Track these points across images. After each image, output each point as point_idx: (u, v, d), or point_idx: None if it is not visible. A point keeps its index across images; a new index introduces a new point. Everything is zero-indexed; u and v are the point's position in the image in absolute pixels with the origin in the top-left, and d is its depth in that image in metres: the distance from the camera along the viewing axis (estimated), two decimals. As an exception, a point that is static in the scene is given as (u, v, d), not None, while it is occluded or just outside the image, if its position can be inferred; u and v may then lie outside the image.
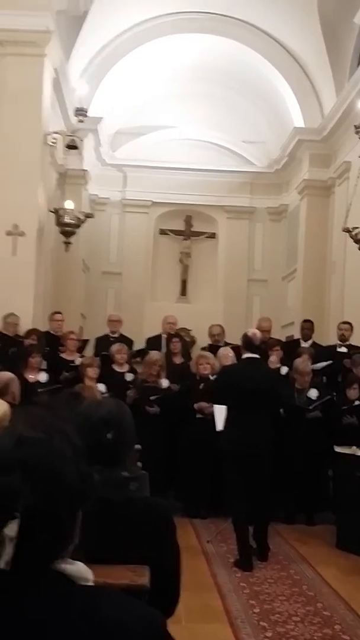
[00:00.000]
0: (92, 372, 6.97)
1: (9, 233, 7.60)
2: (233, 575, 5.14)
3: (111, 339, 8.29)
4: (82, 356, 7.72)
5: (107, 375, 7.16)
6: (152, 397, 6.99)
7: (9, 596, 0.99)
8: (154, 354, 7.49)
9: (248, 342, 5.60)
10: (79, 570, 1.06)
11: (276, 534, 6.19)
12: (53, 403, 3.70)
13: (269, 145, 12.00)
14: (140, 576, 1.97)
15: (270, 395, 5.56)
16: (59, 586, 1.03)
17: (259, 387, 5.42)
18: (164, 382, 7.24)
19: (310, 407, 6.88)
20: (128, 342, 8.27)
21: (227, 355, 7.43)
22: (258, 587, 4.87)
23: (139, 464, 3.66)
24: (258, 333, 5.75)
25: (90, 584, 1.08)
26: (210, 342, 8.62)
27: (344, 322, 8.26)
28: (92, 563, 1.14)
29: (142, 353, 8.11)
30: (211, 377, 7.00)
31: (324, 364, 7.66)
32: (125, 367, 7.57)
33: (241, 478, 5.37)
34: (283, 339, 9.42)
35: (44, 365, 7.04)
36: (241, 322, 10.92)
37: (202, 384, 7.12)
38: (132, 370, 7.59)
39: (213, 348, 8.16)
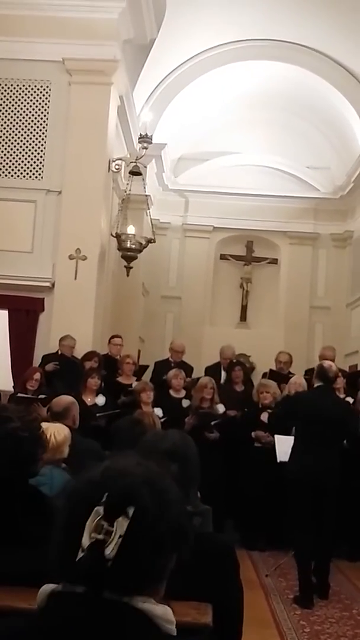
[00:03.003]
0: (146, 396, 6.93)
1: (71, 257, 7.69)
2: (293, 613, 4.96)
3: (172, 364, 8.25)
4: (138, 380, 7.69)
5: (163, 400, 7.11)
6: (213, 422, 6.90)
7: (90, 625, 0.98)
8: (203, 379, 7.42)
9: (322, 373, 5.51)
10: (164, 611, 1.05)
11: (338, 571, 5.96)
12: (114, 433, 3.70)
13: (333, 171, 11.87)
14: (203, 614, 1.92)
15: (339, 425, 5.42)
16: (143, 630, 1.00)
17: (329, 416, 5.31)
18: (220, 408, 7.14)
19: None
20: (188, 368, 8.21)
21: (299, 384, 7.27)
22: (319, 627, 4.68)
23: (198, 493, 3.58)
24: (334, 366, 5.68)
25: (174, 627, 1.06)
26: (271, 369, 8.48)
27: None
28: (163, 600, 1.11)
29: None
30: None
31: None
32: (182, 393, 7.51)
33: (307, 509, 5.22)
34: (347, 369, 9.19)
35: (102, 388, 7.04)
36: (303, 349, 10.75)
37: (263, 413, 6.99)
38: (188, 397, 7.52)
39: (273, 375, 8.02)
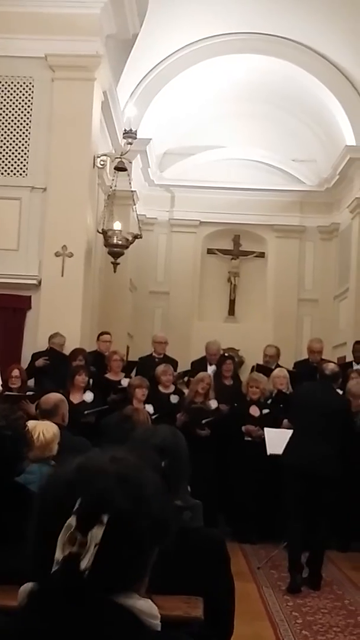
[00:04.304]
0: (141, 393, 6.92)
1: (57, 254, 7.66)
2: (285, 604, 4.98)
3: (156, 360, 8.25)
4: (127, 377, 7.69)
5: (152, 396, 7.10)
6: (204, 421, 6.90)
7: (73, 623, 0.95)
8: (201, 374, 7.42)
9: (319, 372, 5.78)
10: (148, 607, 1.02)
11: (329, 562, 5.98)
12: (104, 430, 3.69)
13: (319, 163, 11.89)
14: (194, 608, 1.92)
15: (336, 416, 5.48)
16: (127, 626, 0.98)
17: (326, 407, 5.37)
18: (213, 403, 7.15)
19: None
20: (172, 362, 8.21)
21: (280, 377, 7.31)
22: (311, 617, 4.70)
23: (189, 488, 3.59)
24: (331, 364, 5.89)
25: (158, 621, 1.03)
26: (258, 363, 8.51)
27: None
28: (145, 594, 1.09)
29: (188, 374, 8.04)
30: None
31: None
32: (171, 389, 7.51)
33: (301, 499, 5.25)
34: (335, 360, 9.22)
35: (90, 384, 7.03)
36: (291, 342, 10.78)
37: (252, 407, 7.02)
38: (177, 392, 7.51)
39: (261, 368, 8.04)
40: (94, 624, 0.96)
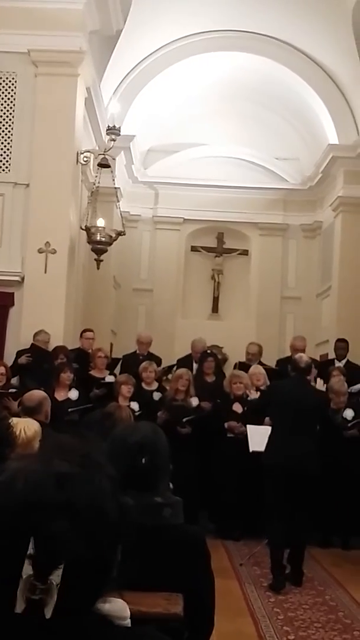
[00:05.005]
0: (126, 389, 6.92)
1: (40, 251, 7.62)
2: (267, 600, 5.01)
3: (140, 357, 8.25)
4: (112, 374, 7.68)
5: (135, 393, 7.10)
6: (185, 419, 6.91)
7: (39, 629, 0.94)
8: (180, 370, 7.44)
9: (294, 364, 5.75)
10: (117, 609, 1.01)
11: (311, 558, 6.03)
12: (85, 427, 3.66)
13: (302, 162, 11.93)
14: (173, 604, 1.92)
15: (314, 412, 5.50)
16: (99, 630, 0.98)
17: (304, 404, 5.39)
18: (194, 401, 7.15)
19: (349, 425, 6.74)
20: (156, 360, 8.22)
21: (257, 374, 7.34)
22: (293, 613, 4.73)
23: (170, 485, 3.59)
24: (304, 356, 5.83)
25: (128, 621, 1.03)
26: (240, 361, 8.53)
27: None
28: (125, 590, 1.10)
29: (172, 369, 8.05)
30: (250, 397, 6.95)
31: (360, 385, 7.49)
32: (154, 386, 7.51)
33: (282, 497, 5.27)
34: (317, 358, 9.28)
35: (74, 382, 7.01)
36: (274, 339, 10.82)
37: (235, 404, 7.04)
38: (160, 389, 7.52)
39: (243, 366, 8.06)
40: (63, 629, 0.95)
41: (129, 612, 1.04)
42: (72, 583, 0.93)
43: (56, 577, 0.92)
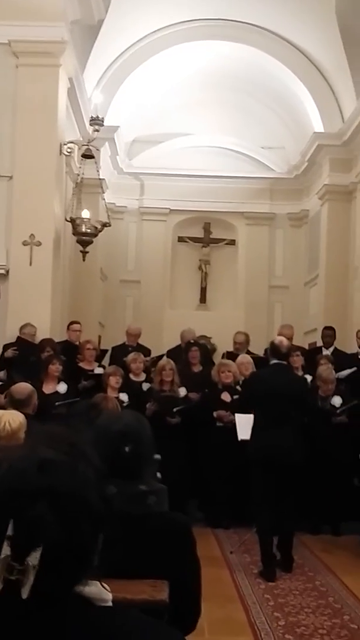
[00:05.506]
0: (115, 381, 6.90)
1: (25, 243, 7.58)
2: (257, 587, 5.03)
3: (129, 349, 8.24)
4: (100, 365, 7.66)
5: (124, 385, 7.10)
6: (175, 409, 6.90)
7: (28, 622, 0.96)
8: (162, 361, 7.43)
9: (275, 350, 5.61)
10: (98, 591, 1.02)
11: (301, 545, 6.06)
12: (71, 417, 3.66)
13: (288, 150, 11.91)
14: (159, 591, 1.92)
15: (297, 401, 5.49)
16: (79, 609, 0.99)
17: (288, 393, 5.36)
18: (182, 391, 7.15)
19: (337, 411, 6.77)
20: (145, 351, 8.20)
21: (244, 363, 7.35)
22: (283, 599, 4.76)
23: (159, 474, 3.59)
24: (285, 341, 5.75)
25: (109, 604, 1.04)
26: (228, 350, 8.53)
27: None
28: (110, 578, 1.10)
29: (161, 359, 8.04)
30: (237, 387, 6.96)
31: (348, 371, 7.52)
32: (142, 377, 7.50)
33: (268, 486, 5.28)
34: (305, 346, 9.30)
35: (63, 374, 6.98)
36: (263, 329, 10.83)
37: (224, 393, 7.05)
38: (148, 380, 7.51)
39: (231, 356, 8.06)
40: (46, 613, 0.96)
41: (110, 596, 1.05)
42: (50, 566, 0.94)
43: (33, 558, 0.94)
